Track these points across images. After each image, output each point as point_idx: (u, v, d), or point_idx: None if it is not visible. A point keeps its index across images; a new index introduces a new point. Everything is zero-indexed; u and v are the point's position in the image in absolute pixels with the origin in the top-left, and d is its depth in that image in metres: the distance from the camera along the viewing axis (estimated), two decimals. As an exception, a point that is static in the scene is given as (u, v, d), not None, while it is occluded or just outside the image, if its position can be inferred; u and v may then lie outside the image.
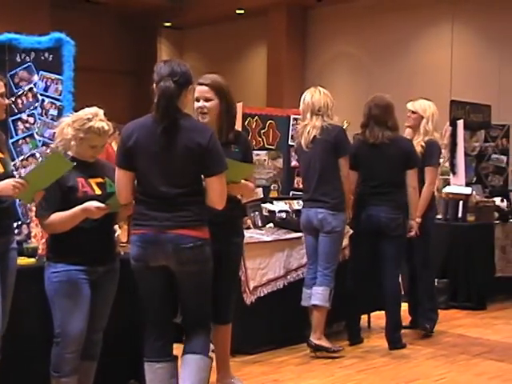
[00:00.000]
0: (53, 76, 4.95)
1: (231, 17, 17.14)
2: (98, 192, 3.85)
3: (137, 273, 3.80)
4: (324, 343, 5.49)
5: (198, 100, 4.26)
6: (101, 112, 3.92)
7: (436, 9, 14.78)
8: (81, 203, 3.73)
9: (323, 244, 5.50)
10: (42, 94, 4.95)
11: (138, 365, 4.20)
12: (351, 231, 5.83)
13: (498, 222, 7.71)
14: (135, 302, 4.22)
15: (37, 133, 4.93)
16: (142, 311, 3.91)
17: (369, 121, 5.75)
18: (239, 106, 6.35)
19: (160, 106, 3.63)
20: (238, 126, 6.16)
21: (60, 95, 4.94)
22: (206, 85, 4.28)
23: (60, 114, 4.81)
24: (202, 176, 3.71)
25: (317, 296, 5.46)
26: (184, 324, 3.86)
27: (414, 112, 6.12)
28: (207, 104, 4.26)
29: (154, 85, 3.72)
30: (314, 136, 5.46)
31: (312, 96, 5.54)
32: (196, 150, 3.63)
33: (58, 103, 4.94)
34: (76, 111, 4.09)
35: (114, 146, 7.06)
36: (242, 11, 16.78)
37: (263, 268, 5.57)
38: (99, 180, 3.89)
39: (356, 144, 5.91)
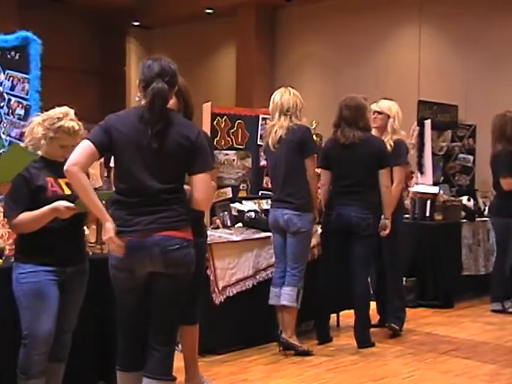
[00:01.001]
0: (19, 75, 4.90)
1: (200, 16, 17.11)
2: (68, 192, 3.82)
3: (118, 283, 3.71)
4: (296, 342, 5.51)
5: None
6: (71, 112, 3.89)
7: (404, 10, 14.90)
8: (50, 203, 3.69)
9: (290, 244, 5.52)
10: (8, 93, 4.90)
11: (107, 366, 4.18)
12: (320, 230, 5.86)
13: (464, 220, 7.78)
14: (105, 303, 4.20)
15: (3, 132, 4.88)
16: (118, 321, 3.82)
17: (340, 121, 5.78)
18: (207, 106, 6.35)
19: (155, 106, 3.57)
20: (207, 126, 6.18)
21: (27, 94, 4.89)
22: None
23: (27, 114, 4.77)
24: (187, 175, 3.68)
25: (285, 296, 5.48)
26: (151, 339, 3.70)
27: (380, 112, 6.15)
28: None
29: (141, 82, 3.66)
30: (280, 136, 5.48)
31: (282, 96, 5.56)
32: (185, 145, 3.60)
33: (24, 102, 4.90)
34: (43, 111, 4.05)
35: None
36: (211, 11, 16.76)
37: (232, 268, 5.57)
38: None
39: (328, 144, 5.94)
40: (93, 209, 3.58)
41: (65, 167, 3.51)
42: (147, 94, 3.59)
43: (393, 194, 5.89)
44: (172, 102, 4.23)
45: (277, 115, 5.54)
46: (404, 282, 7.09)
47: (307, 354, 5.51)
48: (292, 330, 5.52)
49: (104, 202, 3.67)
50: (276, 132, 5.50)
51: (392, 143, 6.02)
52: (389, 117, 6.11)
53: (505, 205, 7.00)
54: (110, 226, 3.54)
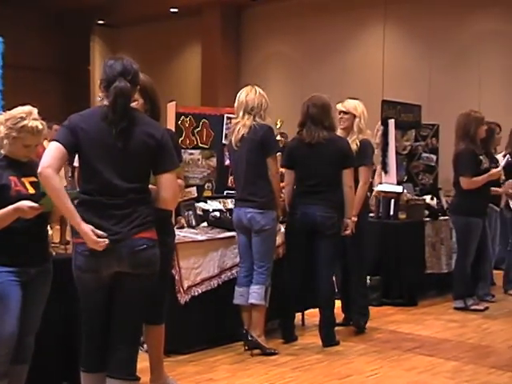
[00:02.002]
0: (-20, 73, 4.84)
1: (165, 15, 17.05)
2: (32, 191, 3.79)
3: (83, 284, 3.68)
4: (264, 343, 5.52)
5: None
6: (35, 111, 3.86)
7: (368, 10, 14.99)
8: (13, 202, 3.66)
9: (255, 243, 5.53)
10: (-31, 92, 4.84)
11: (71, 367, 4.15)
12: (283, 229, 5.87)
13: (428, 219, 7.85)
14: (69, 304, 4.18)
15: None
16: (82, 322, 3.79)
17: (306, 120, 5.79)
18: (172, 105, 6.33)
19: (118, 105, 3.55)
20: (171, 125, 6.15)
21: (-12, 93, 4.84)
22: None
23: (-12, 113, 4.70)
24: (153, 175, 3.68)
25: (253, 295, 5.49)
26: (114, 339, 3.69)
27: (346, 112, 6.17)
28: (133, 104, 4.24)
29: (103, 81, 3.65)
30: (243, 135, 5.48)
31: (247, 95, 5.55)
32: (150, 144, 3.60)
33: (-14, 102, 4.84)
34: (6, 110, 4.01)
35: (46, 144, 6.94)
36: (176, 10, 16.71)
37: (197, 267, 5.56)
38: (32, 179, 3.81)
39: (292, 143, 5.95)
40: (65, 212, 3.55)
41: (38, 170, 3.49)
42: (110, 94, 3.58)
43: (359, 194, 5.93)
44: (139, 103, 4.23)
45: (241, 113, 5.53)
46: (368, 281, 7.16)
47: (273, 354, 5.52)
48: (261, 329, 5.53)
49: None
50: (239, 130, 5.51)
51: (358, 143, 6.05)
52: (355, 116, 6.15)
53: (464, 203, 7.07)
54: (86, 229, 3.51)
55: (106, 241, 3.51)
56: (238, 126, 5.52)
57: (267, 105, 5.56)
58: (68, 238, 4.45)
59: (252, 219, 5.47)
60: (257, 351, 5.49)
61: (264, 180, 5.47)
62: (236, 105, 5.60)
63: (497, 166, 7.29)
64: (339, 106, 6.18)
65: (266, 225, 5.47)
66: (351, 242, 5.98)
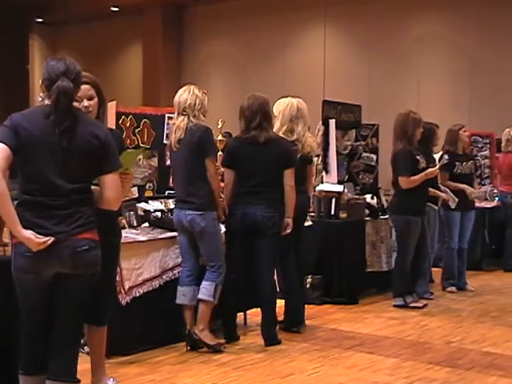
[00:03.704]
0: None
1: (106, 14, 16.91)
2: None
3: (23, 285, 3.61)
4: (206, 339, 5.51)
5: (79, 99, 4.13)
6: None
7: (309, 11, 15.10)
8: None
9: (200, 246, 5.55)
10: None
11: (9, 370, 4.08)
12: (224, 229, 5.88)
13: (368, 218, 7.94)
14: (7, 305, 4.10)
15: None
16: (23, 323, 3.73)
17: (246, 120, 5.79)
18: (113, 105, 6.27)
19: (61, 104, 3.51)
20: (112, 125, 6.09)
21: None
22: (86, 83, 4.22)
23: None
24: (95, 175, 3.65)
25: (202, 290, 5.51)
26: (54, 341, 3.65)
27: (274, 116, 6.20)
28: (91, 102, 4.22)
29: (45, 81, 3.60)
30: (180, 137, 5.49)
31: (180, 95, 5.56)
32: (94, 144, 3.57)
33: None
34: None
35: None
36: (117, 9, 16.58)
37: (138, 268, 5.53)
38: None
39: (234, 143, 5.95)
40: (6, 218, 3.48)
41: None
42: (52, 93, 3.54)
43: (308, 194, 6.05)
44: (95, 101, 4.22)
45: (176, 114, 5.58)
46: (310, 280, 7.23)
47: (219, 350, 5.52)
48: (205, 323, 5.52)
49: None
50: (176, 132, 5.52)
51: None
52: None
53: (403, 203, 7.19)
54: (27, 235, 3.45)
55: (51, 238, 3.47)
56: (174, 128, 5.55)
57: (201, 104, 5.54)
58: (6, 239, 4.36)
59: (192, 221, 5.47)
60: (202, 350, 5.49)
61: (203, 181, 5.47)
62: (174, 105, 5.63)
63: (434, 166, 7.43)
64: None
65: (207, 226, 5.48)
66: (290, 241, 5.99)
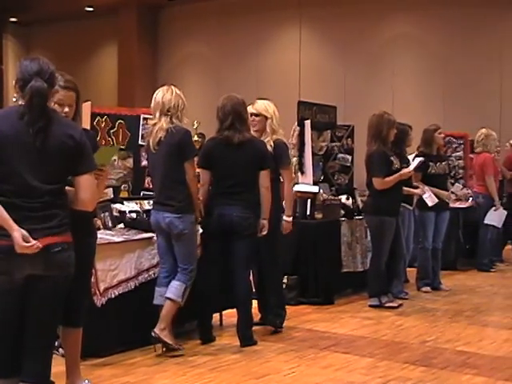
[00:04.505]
0: None
1: (81, 14, 16.83)
2: None
3: None
4: (166, 338, 5.46)
5: (60, 103, 4.12)
6: None
7: (284, 12, 15.14)
8: None
9: (176, 247, 5.52)
10: None
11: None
12: (201, 230, 5.87)
13: (343, 219, 7.97)
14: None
15: None
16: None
17: (222, 121, 5.78)
18: (87, 106, 6.24)
19: (35, 105, 3.49)
20: (86, 126, 6.06)
21: None
22: (71, 89, 4.21)
23: None
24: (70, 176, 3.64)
25: (171, 289, 5.47)
26: (27, 343, 3.62)
27: (257, 115, 6.19)
28: (68, 109, 4.20)
29: (19, 81, 3.58)
30: (160, 138, 5.43)
31: (163, 95, 5.49)
32: (69, 144, 3.56)
33: None
34: None
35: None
36: (92, 9, 16.50)
37: (114, 269, 5.50)
38: None
39: (210, 144, 5.93)
40: None
41: None
42: (25, 93, 3.52)
43: (287, 193, 6.13)
44: (74, 107, 4.20)
45: (157, 114, 5.49)
46: (286, 281, 7.23)
47: (177, 349, 5.48)
48: (167, 323, 5.46)
49: None
50: (156, 133, 5.46)
51: (272, 144, 6.10)
52: (266, 118, 6.19)
53: (378, 203, 7.23)
54: (16, 235, 3.44)
55: (38, 244, 3.45)
56: (156, 128, 5.47)
57: (184, 105, 5.53)
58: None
59: (170, 224, 5.45)
60: (171, 353, 5.46)
61: (182, 184, 5.45)
62: (152, 105, 5.55)
63: (408, 166, 7.48)
64: (250, 109, 6.13)
65: (185, 229, 5.46)
66: (265, 242, 6.00)
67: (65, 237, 3.62)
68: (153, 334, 5.44)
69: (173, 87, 5.58)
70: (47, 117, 3.55)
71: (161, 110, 5.47)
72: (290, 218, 6.22)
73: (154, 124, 5.51)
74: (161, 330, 5.45)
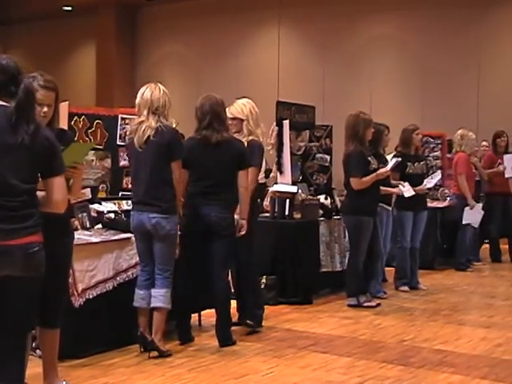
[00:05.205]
0: None
1: (59, 13, 16.75)
2: None
3: None
4: (162, 347, 5.48)
5: (40, 103, 4.08)
6: None
7: (263, 12, 15.15)
8: None
9: (160, 248, 5.47)
10: None
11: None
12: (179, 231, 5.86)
13: (322, 218, 7.99)
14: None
15: None
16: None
17: (200, 121, 5.78)
18: (65, 105, 6.21)
19: (30, 104, 3.50)
20: (64, 125, 6.03)
21: None
22: (51, 89, 4.19)
23: None
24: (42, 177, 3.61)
25: (160, 298, 5.44)
26: (1, 346, 3.56)
27: (233, 118, 6.18)
28: (47, 109, 4.18)
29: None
30: (149, 137, 5.37)
31: (152, 93, 5.43)
32: (45, 145, 3.54)
33: None
34: None
35: None
36: (70, 8, 16.43)
37: (92, 270, 5.47)
38: None
39: (189, 144, 5.90)
40: None
41: None
42: (19, 92, 3.50)
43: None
44: (52, 108, 4.18)
45: (145, 112, 5.40)
46: (265, 280, 7.24)
47: (169, 355, 5.51)
48: (162, 332, 5.49)
49: None
50: (144, 131, 5.38)
51: (246, 144, 6.10)
52: (242, 120, 6.19)
53: (355, 203, 7.26)
54: None
55: None
56: (143, 127, 5.39)
57: (170, 104, 5.49)
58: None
59: (157, 224, 5.40)
60: (154, 353, 5.46)
61: (168, 184, 5.41)
62: (139, 102, 5.46)
63: (385, 166, 7.51)
64: (227, 112, 6.08)
65: (171, 230, 5.44)
66: (242, 242, 5.99)
67: (40, 236, 3.60)
68: (150, 342, 5.41)
69: (160, 85, 5.53)
70: (28, 118, 3.54)
71: (149, 108, 5.40)
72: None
73: (141, 122, 5.42)
74: (159, 341, 5.44)
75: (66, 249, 4.41)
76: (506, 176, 10.51)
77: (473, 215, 9.75)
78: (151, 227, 5.42)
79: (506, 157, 10.55)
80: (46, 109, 4.17)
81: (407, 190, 7.93)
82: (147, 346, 5.47)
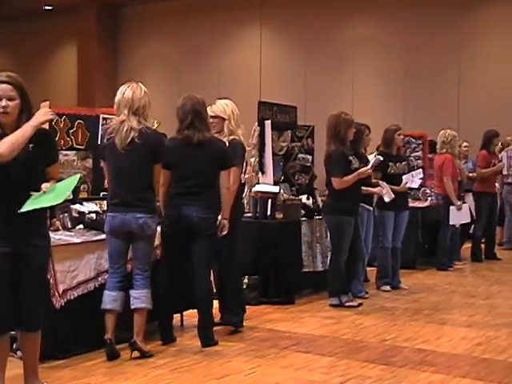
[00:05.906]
0: None
1: (39, 13, 16.65)
2: None
3: None
4: (144, 347, 5.47)
5: None
6: None
7: (245, 12, 15.16)
8: None
9: (142, 248, 5.45)
10: None
11: None
12: (159, 230, 5.84)
13: (304, 219, 8.01)
14: None
15: None
16: None
17: (182, 121, 5.77)
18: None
19: None
20: (44, 125, 5.99)
21: None
22: (9, 83, 4.14)
23: None
24: None
25: (142, 299, 5.43)
26: None
27: (214, 117, 6.18)
28: (11, 103, 4.14)
29: None
30: (133, 139, 5.32)
31: (134, 92, 5.39)
32: None
33: None
34: None
35: None
36: (51, 7, 16.35)
37: (73, 270, 5.45)
38: None
39: (170, 144, 5.89)
40: None
41: None
42: None
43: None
44: (17, 103, 4.16)
45: (126, 111, 5.35)
46: (246, 280, 7.24)
47: (151, 356, 5.49)
48: (144, 333, 5.47)
49: None
50: (127, 132, 5.32)
51: (227, 144, 6.10)
52: (224, 119, 6.19)
53: (336, 203, 7.28)
54: None
55: None
56: (125, 127, 5.33)
57: (150, 105, 5.47)
58: None
59: (144, 224, 5.37)
60: (136, 353, 5.44)
61: (151, 186, 5.43)
62: (119, 100, 5.41)
63: (366, 166, 7.53)
64: (208, 111, 6.05)
65: (155, 229, 5.49)
66: (224, 242, 6.00)
67: None
68: (133, 343, 5.38)
69: (141, 85, 5.49)
70: None
71: (130, 108, 5.35)
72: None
73: (123, 121, 5.36)
74: (141, 342, 5.42)
75: (38, 250, 4.29)
76: (504, 173, 10.85)
77: (460, 216, 9.81)
78: (137, 227, 5.39)
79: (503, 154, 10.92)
80: (4, 102, 4.12)
81: (387, 194, 7.96)
82: (114, 353, 5.39)
